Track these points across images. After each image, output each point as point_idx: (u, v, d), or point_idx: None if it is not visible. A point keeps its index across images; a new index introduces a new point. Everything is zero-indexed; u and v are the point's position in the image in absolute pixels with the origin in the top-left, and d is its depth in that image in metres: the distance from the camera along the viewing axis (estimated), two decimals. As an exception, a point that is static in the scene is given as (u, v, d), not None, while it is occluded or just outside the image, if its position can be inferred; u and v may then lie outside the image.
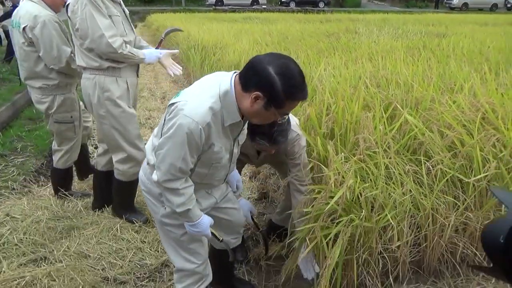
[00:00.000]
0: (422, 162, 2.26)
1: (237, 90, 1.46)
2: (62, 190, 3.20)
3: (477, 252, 2.32)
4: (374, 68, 3.57)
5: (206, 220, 1.72)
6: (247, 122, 1.72)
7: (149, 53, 2.73)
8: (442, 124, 2.49)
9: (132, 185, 2.91)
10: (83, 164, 3.48)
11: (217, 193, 1.85)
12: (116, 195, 2.97)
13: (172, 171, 1.52)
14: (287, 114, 1.53)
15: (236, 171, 1.95)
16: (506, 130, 2.31)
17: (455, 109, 2.53)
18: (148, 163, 1.72)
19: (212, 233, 1.77)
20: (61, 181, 3.22)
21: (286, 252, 2.58)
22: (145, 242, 2.75)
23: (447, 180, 2.28)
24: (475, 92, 2.79)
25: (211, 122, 1.46)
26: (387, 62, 3.70)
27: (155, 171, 1.58)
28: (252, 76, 1.42)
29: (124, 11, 2.67)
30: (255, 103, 1.43)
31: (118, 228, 2.85)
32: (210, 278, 1.92)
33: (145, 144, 2.18)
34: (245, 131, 1.79)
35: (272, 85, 1.38)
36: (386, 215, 2.03)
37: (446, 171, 2.28)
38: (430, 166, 2.32)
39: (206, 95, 1.48)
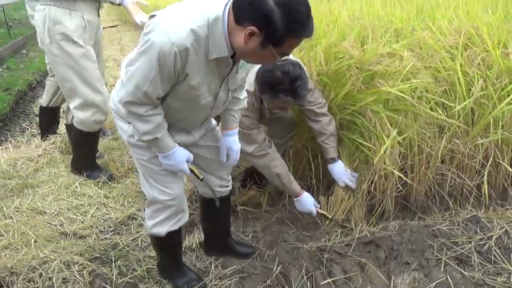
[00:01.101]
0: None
1: (230, 21, 1.20)
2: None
3: (465, 183, 2.20)
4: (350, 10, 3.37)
5: (181, 153, 1.49)
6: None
7: None
8: (424, 52, 2.33)
9: (93, 136, 2.64)
10: None
11: (196, 133, 1.62)
12: (75, 148, 2.69)
13: (137, 93, 1.29)
14: (287, 54, 1.27)
15: (236, 137, 1.68)
16: (492, 49, 2.16)
17: (438, 34, 2.37)
18: (121, 80, 1.46)
19: (191, 170, 1.54)
20: None
21: (265, 200, 2.40)
22: (109, 197, 2.50)
23: (431, 107, 2.13)
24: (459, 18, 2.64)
25: (191, 48, 1.21)
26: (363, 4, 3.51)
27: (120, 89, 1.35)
28: (246, 6, 1.15)
29: None
30: (250, 39, 1.18)
31: (78, 185, 2.57)
32: (186, 217, 1.68)
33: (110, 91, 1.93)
34: (241, 77, 1.51)
35: (271, 18, 1.12)
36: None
37: (429, 97, 2.13)
38: (413, 93, 2.16)
39: (191, 16, 1.21)
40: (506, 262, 1.82)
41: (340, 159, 2.14)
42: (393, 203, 2.18)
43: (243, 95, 1.64)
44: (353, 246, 1.98)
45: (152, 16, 1.27)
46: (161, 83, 1.27)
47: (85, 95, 2.43)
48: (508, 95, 2.05)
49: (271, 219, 2.31)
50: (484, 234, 1.95)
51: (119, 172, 2.73)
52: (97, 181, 2.61)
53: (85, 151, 2.66)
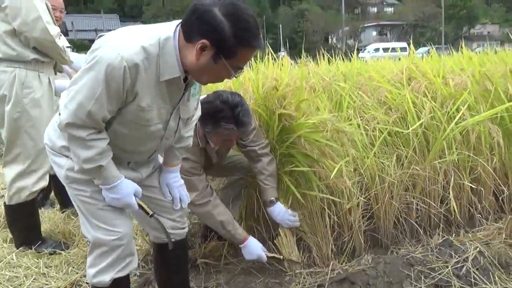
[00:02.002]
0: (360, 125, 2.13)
1: (181, 41, 1.18)
2: None
3: (432, 209, 2.14)
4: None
5: (128, 185, 1.34)
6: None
7: (77, 59, 2.40)
8: (369, 89, 2.42)
9: (34, 205, 2.35)
10: None
11: (143, 170, 1.48)
12: (15, 225, 2.33)
13: (79, 113, 1.18)
14: (241, 68, 1.24)
15: (177, 174, 1.57)
16: (434, 79, 2.27)
17: (382, 72, 2.49)
18: (59, 113, 1.32)
19: (139, 205, 1.38)
20: None
21: (226, 250, 2.20)
22: (50, 266, 2.19)
23: (384, 137, 2.15)
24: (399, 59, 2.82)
25: (141, 65, 1.15)
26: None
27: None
28: (195, 21, 1.14)
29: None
30: (202, 54, 1.15)
31: (14, 256, 2.25)
32: (135, 262, 1.46)
33: None
34: (193, 107, 1.44)
35: (220, 29, 1.11)
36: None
37: (381, 128, 2.16)
38: (366, 126, 2.19)
39: (142, 34, 1.18)
40: (487, 282, 1.71)
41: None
42: (363, 237, 2.07)
43: (189, 133, 1.54)
44: (326, 286, 1.80)
45: (100, 36, 1.22)
46: (108, 103, 1.17)
47: (33, 161, 2.22)
48: (455, 117, 2.11)
49: (235, 271, 2.09)
50: (459, 257, 1.85)
51: (67, 240, 2.45)
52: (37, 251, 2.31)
53: (24, 224, 2.33)
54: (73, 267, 2.16)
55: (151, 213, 1.43)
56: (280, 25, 39.60)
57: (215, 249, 2.19)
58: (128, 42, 1.15)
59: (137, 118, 1.25)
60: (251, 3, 42.86)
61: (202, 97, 1.75)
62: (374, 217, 2.12)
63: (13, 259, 2.23)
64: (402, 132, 2.14)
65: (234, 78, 1.32)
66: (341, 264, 1.96)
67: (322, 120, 1.91)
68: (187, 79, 1.26)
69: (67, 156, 1.35)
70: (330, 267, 1.92)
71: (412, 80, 2.44)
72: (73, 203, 1.42)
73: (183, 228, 1.64)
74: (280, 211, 2.00)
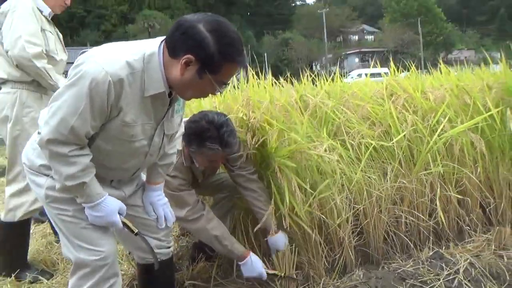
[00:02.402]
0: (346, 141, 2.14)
1: (165, 57, 1.19)
2: None
3: (420, 222, 2.14)
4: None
5: (112, 202, 1.31)
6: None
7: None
8: (353, 105, 2.45)
9: (23, 228, 2.27)
10: None
11: (126, 188, 1.46)
12: (4, 246, 2.24)
13: (61, 129, 1.16)
14: (225, 83, 1.25)
15: (160, 192, 1.54)
16: (414, 93, 2.32)
17: (364, 89, 2.54)
18: (38, 132, 1.31)
19: (123, 223, 1.35)
20: None
21: (215, 271, 2.15)
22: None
23: (370, 152, 2.17)
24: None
25: (126, 80, 1.15)
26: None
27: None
28: (179, 37, 1.15)
29: (57, 33, 2.35)
30: (186, 70, 1.16)
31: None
32: (119, 283, 1.39)
33: None
34: (177, 123, 1.43)
35: (205, 44, 1.13)
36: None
37: (366, 142, 2.18)
38: (352, 142, 2.20)
39: (127, 50, 1.19)
40: (480, 293, 1.69)
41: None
42: (353, 253, 2.04)
43: (172, 150, 1.53)
44: (318, 304, 1.76)
45: (83, 52, 1.22)
46: (91, 118, 1.16)
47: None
48: (437, 130, 2.15)
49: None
50: (450, 269, 1.84)
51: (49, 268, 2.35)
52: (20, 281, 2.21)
53: (13, 245, 2.25)
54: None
55: (136, 231, 1.39)
56: (265, 54, 40.45)
57: (203, 271, 2.13)
58: (112, 57, 1.16)
59: (121, 133, 1.24)
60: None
61: (185, 119, 1.75)
62: (363, 232, 2.10)
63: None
64: (387, 146, 2.16)
65: (219, 93, 1.33)
66: (333, 280, 1.92)
67: (298, 148, 1.88)
68: (171, 94, 1.26)
69: (46, 175, 1.31)
70: (321, 284, 1.88)
71: (393, 95, 2.49)
72: (53, 223, 1.38)
73: (169, 247, 1.60)
74: (285, 240, 1.92)
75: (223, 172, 2.19)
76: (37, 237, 2.84)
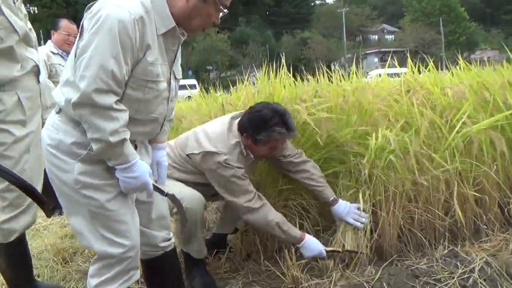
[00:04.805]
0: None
1: None
2: None
3: (436, 219, 2.10)
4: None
5: (143, 163, 1.29)
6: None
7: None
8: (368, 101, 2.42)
9: (21, 245, 1.87)
10: None
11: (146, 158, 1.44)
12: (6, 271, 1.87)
13: (102, 75, 1.14)
14: (227, 5, 1.32)
15: (165, 152, 1.55)
16: (433, 89, 2.28)
17: (382, 85, 2.51)
18: (56, 111, 1.29)
19: (153, 185, 1.35)
20: None
21: (229, 266, 2.17)
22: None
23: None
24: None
25: (145, 17, 1.21)
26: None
27: (73, 90, 1.19)
28: None
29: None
30: None
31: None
32: (137, 275, 1.40)
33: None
34: (180, 67, 1.46)
35: None
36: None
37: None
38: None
39: None
40: (496, 293, 1.65)
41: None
42: (368, 249, 2.02)
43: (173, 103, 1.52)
44: (329, 298, 1.75)
45: (92, 4, 1.25)
46: (124, 61, 1.18)
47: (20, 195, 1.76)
48: (455, 126, 2.10)
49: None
50: (465, 267, 1.80)
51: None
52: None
53: (18, 268, 1.89)
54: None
55: (166, 191, 1.42)
56: (284, 53, 40.37)
57: (213, 265, 2.15)
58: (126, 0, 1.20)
59: (148, 75, 1.26)
60: (255, 33, 43.90)
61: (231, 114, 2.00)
62: (377, 226, 2.08)
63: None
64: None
65: (219, 21, 1.36)
66: (345, 274, 1.91)
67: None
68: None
69: (78, 156, 1.25)
70: (333, 279, 1.87)
71: (411, 91, 2.45)
72: (76, 211, 1.31)
73: (170, 239, 1.58)
74: (345, 206, 2.02)
75: None
76: (55, 228, 2.89)
